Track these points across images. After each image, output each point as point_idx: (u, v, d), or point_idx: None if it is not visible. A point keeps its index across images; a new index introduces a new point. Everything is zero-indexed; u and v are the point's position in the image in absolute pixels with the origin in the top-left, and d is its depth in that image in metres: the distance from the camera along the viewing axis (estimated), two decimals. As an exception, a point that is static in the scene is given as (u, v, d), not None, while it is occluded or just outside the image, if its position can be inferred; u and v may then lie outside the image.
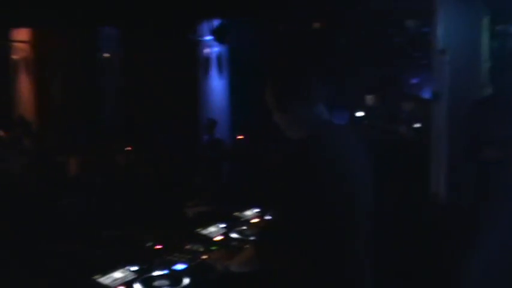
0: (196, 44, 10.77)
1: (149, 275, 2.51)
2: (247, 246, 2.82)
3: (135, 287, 2.39)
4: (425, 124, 7.49)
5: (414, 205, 4.30)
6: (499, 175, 3.82)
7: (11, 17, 9.03)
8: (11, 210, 4.34)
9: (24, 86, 11.19)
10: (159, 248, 2.93)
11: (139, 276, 2.50)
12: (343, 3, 8.25)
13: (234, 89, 10.70)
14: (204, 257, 2.70)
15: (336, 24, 9.35)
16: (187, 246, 2.90)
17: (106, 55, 11.41)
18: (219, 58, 10.75)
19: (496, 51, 6.46)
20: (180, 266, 2.63)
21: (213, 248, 2.88)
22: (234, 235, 3.11)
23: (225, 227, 3.25)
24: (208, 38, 10.63)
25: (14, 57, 11.10)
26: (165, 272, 2.55)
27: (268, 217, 3.45)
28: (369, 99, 8.76)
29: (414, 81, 8.78)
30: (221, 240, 3.06)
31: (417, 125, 7.88)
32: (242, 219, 3.43)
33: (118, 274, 2.51)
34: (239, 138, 8.03)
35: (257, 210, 3.62)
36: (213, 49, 10.70)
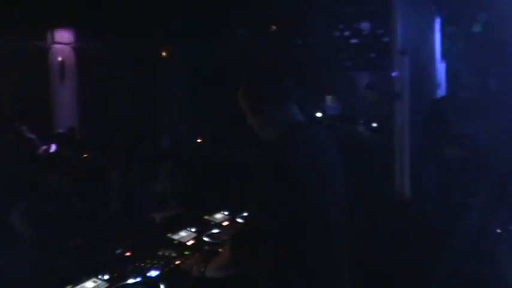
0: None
1: (123, 283, 2.44)
2: (221, 250, 2.80)
3: (110, 297, 2.32)
4: (383, 124, 7.65)
5: (378, 204, 4.37)
6: (459, 172, 3.96)
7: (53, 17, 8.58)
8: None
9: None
10: (130, 255, 2.86)
11: (112, 285, 2.43)
12: (298, 6, 8.33)
13: (192, 91, 10.62)
14: (178, 262, 2.66)
15: (292, 27, 9.43)
16: (160, 252, 2.84)
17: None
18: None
19: (448, 52, 6.68)
20: (153, 273, 2.57)
21: (186, 253, 2.84)
22: (206, 239, 3.08)
23: (195, 231, 3.21)
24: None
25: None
26: (139, 279, 2.49)
27: (239, 219, 3.43)
28: (327, 100, 8.87)
29: (370, 81, 8.92)
30: (193, 244, 3.02)
31: (375, 125, 8.02)
32: (212, 223, 3.40)
33: (90, 284, 2.43)
34: (199, 142, 7.97)
35: (226, 213, 3.60)
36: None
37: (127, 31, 9.67)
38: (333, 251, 2.12)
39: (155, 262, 2.69)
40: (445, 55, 6.46)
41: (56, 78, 10.99)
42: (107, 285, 2.43)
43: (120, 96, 10.88)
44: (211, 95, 9.82)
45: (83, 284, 2.42)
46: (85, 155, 7.22)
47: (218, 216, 3.53)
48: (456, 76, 4.11)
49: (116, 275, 2.53)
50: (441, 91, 6.30)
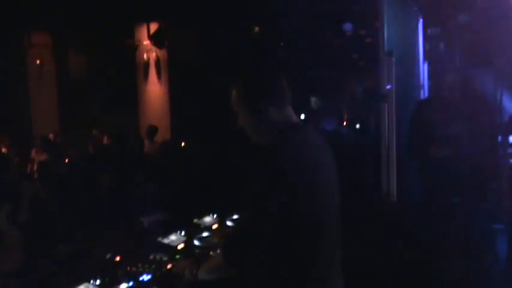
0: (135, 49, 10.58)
1: (115, 288, 2.42)
2: (212, 253, 2.80)
3: (102, 302, 2.29)
4: (367, 125, 7.72)
5: (365, 205, 4.40)
6: (444, 172, 4.00)
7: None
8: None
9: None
10: (120, 260, 2.83)
11: (104, 290, 2.40)
12: (280, 8, 8.35)
13: (175, 94, 10.58)
14: (169, 266, 2.64)
15: (274, 29, 9.46)
16: (151, 256, 2.82)
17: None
18: (157, 63, 10.62)
19: (430, 53, 6.76)
20: (145, 277, 2.55)
21: (177, 256, 2.82)
22: (196, 242, 3.06)
23: (185, 235, 3.20)
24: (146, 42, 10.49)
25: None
26: (131, 284, 2.47)
27: (228, 222, 3.43)
28: (311, 101, 8.90)
29: (352, 82, 9.01)
30: (184, 248, 3.00)
31: (358, 126, 8.09)
32: (202, 226, 3.39)
33: (81, 289, 2.41)
34: (183, 145, 7.94)
35: (215, 216, 3.59)
36: (151, 54, 10.57)
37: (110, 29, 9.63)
38: (326, 252, 2.12)
39: (146, 266, 2.67)
40: (427, 56, 6.55)
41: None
42: (98, 290, 2.41)
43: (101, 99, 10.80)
44: (195, 97, 9.81)
45: (75, 290, 2.39)
46: (66, 160, 7.15)
47: (207, 219, 3.52)
48: (439, 77, 4.15)
49: (107, 279, 2.50)
50: (424, 92, 6.39)
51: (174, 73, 10.55)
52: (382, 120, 4.03)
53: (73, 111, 11.09)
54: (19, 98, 10.86)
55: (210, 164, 6.39)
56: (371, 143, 5.43)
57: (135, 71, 10.76)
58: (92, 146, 8.71)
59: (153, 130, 9.19)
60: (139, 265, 2.68)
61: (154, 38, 10.20)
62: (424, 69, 6.55)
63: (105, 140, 8.10)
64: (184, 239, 3.14)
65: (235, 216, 3.46)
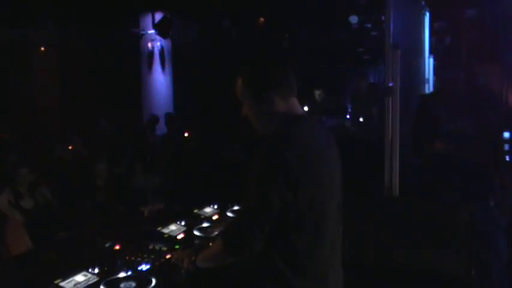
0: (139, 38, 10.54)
1: (114, 277, 2.40)
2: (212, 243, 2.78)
3: (100, 290, 2.28)
4: (371, 118, 7.66)
5: (366, 199, 4.38)
6: (446, 167, 3.97)
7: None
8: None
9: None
10: (119, 249, 2.82)
11: (102, 279, 2.39)
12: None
13: (179, 84, 10.54)
14: (168, 256, 2.63)
15: (280, 21, 9.41)
16: (150, 246, 2.81)
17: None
18: (161, 52, 10.57)
19: (436, 48, 6.71)
20: (144, 267, 2.54)
21: (177, 246, 2.81)
22: (196, 233, 3.05)
23: (185, 225, 3.19)
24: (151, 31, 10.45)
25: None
26: (130, 273, 2.46)
27: (229, 213, 3.42)
28: (314, 94, 8.84)
29: (357, 75, 8.93)
30: (183, 238, 2.99)
31: (361, 119, 8.03)
32: (202, 217, 3.38)
33: (80, 277, 2.40)
34: (186, 135, 7.91)
35: (216, 207, 3.58)
36: (155, 43, 10.53)
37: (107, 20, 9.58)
38: (326, 244, 2.11)
39: (146, 256, 2.67)
40: (433, 50, 6.51)
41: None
42: (97, 278, 2.41)
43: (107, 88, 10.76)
44: (198, 88, 9.78)
45: (73, 278, 2.39)
46: (70, 147, 7.14)
47: (208, 210, 3.52)
48: (444, 71, 4.11)
49: (106, 268, 2.50)
50: (429, 87, 6.35)
51: (179, 63, 10.51)
52: (386, 114, 3.99)
53: (77, 100, 11.06)
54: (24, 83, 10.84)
55: (212, 154, 6.37)
56: (374, 136, 5.40)
57: (139, 61, 10.72)
58: (97, 135, 8.72)
59: (154, 120, 9.18)
60: (139, 254, 2.68)
61: (159, 28, 10.16)
62: (429, 63, 6.52)
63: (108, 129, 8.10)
64: (184, 229, 3.14)
65: (235, 208, 3.45)
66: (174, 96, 10.55)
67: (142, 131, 8.11)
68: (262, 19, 9.31)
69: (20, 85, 10.46)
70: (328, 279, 2.13)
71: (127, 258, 2.63)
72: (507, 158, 3.98)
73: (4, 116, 9.32)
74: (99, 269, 2.48)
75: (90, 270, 2.46)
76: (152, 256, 2.67)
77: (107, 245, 2.87)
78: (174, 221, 3.22)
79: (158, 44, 10.40)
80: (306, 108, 8.76)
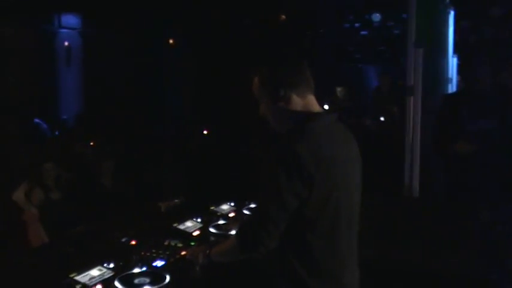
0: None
1: (128, 272, 2.40)
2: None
3: (115, 285, 2.28)
4: (391, 117, 7.58)
5: (386, 199, 4.33)
6: (469, 168, 3.90)
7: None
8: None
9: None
10: (135, 244, 2.82)
11: (117, 274, 2.39)
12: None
13: (199, 81, 10.56)
14: (183, 253, 2.61)
15: (302, 18, 9.35)
16: (166, 242, 2.80)
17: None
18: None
19: (460, 46, 6.60)
20: (159, 263, 2.53)
21: (192, 243, 2.80)
22: (212, 230, 3.04)
23: (201, 222, 3.18)
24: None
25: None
26: (145, 269, 2.45)
27: (245, 211, 3.40)
28: (335, 92, 8.77)
29: (379, 75, 8.85)
30: (199, 235, 2.98)
31: (382, 118, 7.96)
32: (218, 214, 3.36)
33: (95, 272, 2.40)
34: (205, 133, 7.91)
35: (232, 204, 3.56)
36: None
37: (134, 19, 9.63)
38: (342, 245, 2.08)
39: (161, 252, 2.66)
40: (457, 49, 6.39)
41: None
42: (112, 273, 2.40)
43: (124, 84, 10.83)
44: (218, 85, 9.78)
45: (88, 272, 2.39)
46: (91, 143, 7.20)
47: (224, 207, 3.50)
48: (470, 71, 4.02)
49: (121, 263, 2.49)
50: (452, 86, 6.24)
51: (198, 59, 10.53)
52: (407, 114, 3.94)
53: (99, 94, 11.15)
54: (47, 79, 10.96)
55: (230, 151, 6.37)
56: (395, 136, 5.33)
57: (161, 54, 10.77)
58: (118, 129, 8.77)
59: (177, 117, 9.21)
60: (154, 250, 2.67)
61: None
62: (453, 62, 6.41)
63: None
64: (200, 225, 3.12)
65: (252, 205, 3.43)
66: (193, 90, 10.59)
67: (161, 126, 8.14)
68: (283, 16, 9.27)
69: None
70: (343, 280, 2.10)
71: (142, 253, 2.63)
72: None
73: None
74: (115, 263, 2.48)
75: (105, 264, 2.46)
76: (167, 252, 2.65)
77: (123, 240, 2.88)
78: (190, 217, 3.20)
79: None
80: (326, 107, 8.70)
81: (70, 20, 10.80)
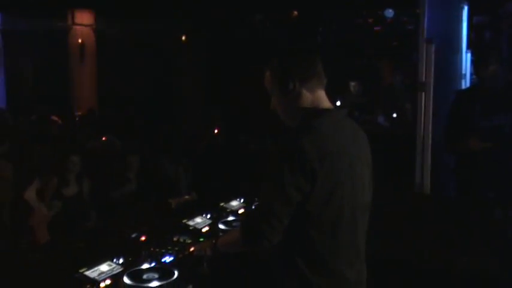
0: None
1: (137, 268, 2.42)
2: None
3: (124, 281, 2.29)
4: (404, 114, 7.53)
5: (397, 195, 4.30)
6: (481, 165, 3.85)
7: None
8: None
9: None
10: (144, 240, 2.84)
11: (126, 269, 2.41)
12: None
13: (211, 78, 10.57)
14: (192, 249, 2.62)
15: (313, 13, 9.31)
16: (175, 238, 2.81)
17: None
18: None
19: (474, 42, 6.52)
20: (168, 259, 2.55)
21: (201, 239, 2.81)
22: (221, 226, 3.04)
23: (211, 218, 3.19)
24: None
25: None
26: (153, 264, 2.47)
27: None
28: (348, 87, 8.72)
29: (392, 70, 8.78)
30: (208, 231, 2.99)
31: (395, 115, 7.91)
32: (228, 210, 3.37)
33: (104, 267, 2.42)
34: (216, 132, 7.91)
35: (242, 200, 3.56)
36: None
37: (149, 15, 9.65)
38: (347, 243, 2.07)
39: (170, 248, 2.67)
40: (471, 45, 6.31)
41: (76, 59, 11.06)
42: (121, 269, 2.42)
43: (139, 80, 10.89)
44: (230, 82, 9.78)
45: (98, 267, 2.41)
46: (103, 138, 7.25)
47: (234, 203, 3.51)
48: (483, 67, 3.96)
49: (130, 259, 2.51)
50: (466, 82, 6.17)
51: (212, 56, 10.53)
52: (418, 110, 3.90)
53: (111, 90, 11.23)
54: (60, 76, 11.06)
55: (241, 148, 6.37)
56: (408, 132, 5.29)
57: (170, 52, 10.80)
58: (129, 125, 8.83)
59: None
60: (163, 246, 2.69)
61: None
62: (467, 58, 6.34)
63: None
64: (209, 222, 3.13)
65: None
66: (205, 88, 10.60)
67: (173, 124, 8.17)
68: (296, 12, 9.23)
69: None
70: (348, 278, 2.08)
71: (151, 249, 2.64)
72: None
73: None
74: (124, 259, 2.50)
75: (115, 260, 2.48)
76: (176, 248, 2.67)
77: (133, 235, 2.90)
78: (200, 213, 3.22)
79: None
80: (338, 103, 8.66)
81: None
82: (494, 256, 3.51)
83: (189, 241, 2.79)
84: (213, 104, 9.95)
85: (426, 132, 3.87)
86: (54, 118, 8.82)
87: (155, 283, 2.29)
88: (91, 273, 2.36)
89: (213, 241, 2.34)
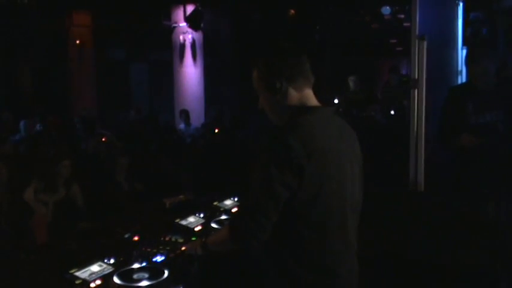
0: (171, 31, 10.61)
1: (128, 267, 2.43)
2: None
3: (114, 281, 2.31)
4: (401, 111, 7.53)
5: (391, 192, 4.31)
6: (474, 162, 3.85)
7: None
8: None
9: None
10: (137, 240, 2.86)
11: (117, 269, 2.42)
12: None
13: (210, 76, 10.58)
14: (184, 248, 2.64)
15: (311, 12, 9.30)
16: (167, 238, 2.83)
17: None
18: (193, 45, 10.62)
19: (469, 39, 6.52)
20: (159, 258, 2.56)
21: (193, 238, 2.82)
22: (213, 225, 3.06)
23: (204, 217, 3.20)
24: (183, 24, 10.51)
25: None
26: (144, 264, 2.48)
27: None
28: (347, 83, 8.70)
29: (390, 67, 8.77)
30: (201, 230, 3.00)
31: (392, 112, 7.90)
32: (222, 209, 3.39)
33: (95, 268, 2.43)
34: (216, 131, 7.92)
35: (236, 199, 3.58)
36: (187, 35, 10.58)
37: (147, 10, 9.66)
38: (337, 240, 2.07)
39: (161, 247, 2.68)
40: (466, 41, 6.32)
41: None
42: (112, 269, 2.43)
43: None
44: (228, 81, 9.79)
45: (89, 267, 2.42)
46: (103, 139, 7.28)
47: (228, 202, 3.52)
48: (475, 63, 3.96)
49: (121, 259, 2.52)
50: (462, 78, 6.17)
51: (209, 55, 10.54)
52: (411, 107, 3.91)
53: (110, 92, 11.26)
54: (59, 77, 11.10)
55: (240, 147, 6.38)
56: (405, 130, 5.30)
57: (171, 53, 10.81)
58: (129, 126, 8.87)
59: (186, 113, 9.27)
60: (155, 246, 2.70)
61: (190, 20, 10.22)
62: (462, 55, 6.34)
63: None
64: (202, 221, 3.15)
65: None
66: (205, 88, 10.61)
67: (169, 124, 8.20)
68: (292, 11, 9.23)
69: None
70: (338, 274, 2.09)
71: (143, 249, 2.66)
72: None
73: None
74: (115, 259, 2.51)
75: (106, 260, 2.49)
76: (168, 248, 2.68)
77: (126, 235, 2.91)
78: (193, 212, 3.23)
79: (190, 36, 10.48)
80: (336, 101, 8.66)
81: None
82: (487, 251, 3.52)
83: (181, 240, 2.80)
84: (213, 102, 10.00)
85: (419, 129, 3.86)
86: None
87: (145, 283, 2.30)
88: (82, 273, 2.37)
89: (203, 240, 2.36)
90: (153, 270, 2.40)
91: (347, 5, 8.78)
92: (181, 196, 3.77)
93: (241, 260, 2.44)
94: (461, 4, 6.19)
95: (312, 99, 2.14)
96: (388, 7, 8.27)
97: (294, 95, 2.10)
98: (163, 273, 2.37)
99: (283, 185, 1.92)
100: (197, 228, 3.04)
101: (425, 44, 3.83)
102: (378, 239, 3.84)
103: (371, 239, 3.66)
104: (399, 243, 3.88)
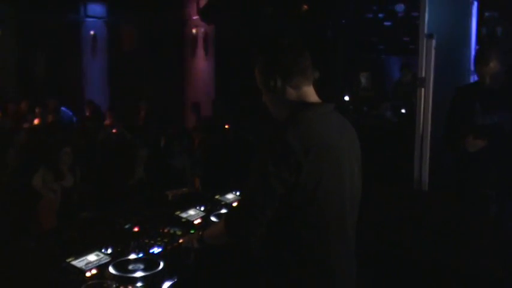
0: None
1: (124, 258, 2.45)
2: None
3: (109, 271, 2.32)
4: (411, 110, 7.46)
5: (396, 191, 4.29)
6: (480, 163, 3.81)
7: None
8: None
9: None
10: (137, 231, 2.87)
11: (113, 259, 2.44)
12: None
13: (221, 70, 10.57)
14: (181, 240, 2.64)
15: (323, 7, 9.24)
16: (165, 230, 2.84)
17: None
18: (205, 38, 10.62)
19: (484, 38, 6.42)
20: (156, 250, 2.57)
21: (192, 231, 2.83)
22: (213, 219, 3.06)
23: (204, 210, 3.21)
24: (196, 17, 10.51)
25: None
26: (141, 255, 2.50)
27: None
28: (358, 79, 8.65)
29: (402, 66, 8.69)
30: (200, 223, 3.01)
31: (403, 111, 7.84)
32: (223, 203, 3.39)
33: (92, 257, 2.45)
34: (227, 128, 7.91)
35: (238, 193, 3.58)
36: (199, 29, 10.59)
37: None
38: (335, 237, 2.07)
39: (159, 239, 2.69)
40: (480, 41, 6.22)
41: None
42: (108, 259, 2.45)
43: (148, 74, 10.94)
44: (240, 74, 9.75)
45: (86, 257, 2.44)
46: (114, 131, 7.31)
47: (229, 196, 3.52)
48: (483, 63, 3.90)
49: (119, 249, 2.54)
50: (474, 78, 6.08)
51: (221, 49, 10.53)
52: (417, 106, 3.87)
53: (122, 83, 11.31)
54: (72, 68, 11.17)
55: (248, 141, 6.38)
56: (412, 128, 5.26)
57: (183, 46, 10.83)
58: (139, 117, 8.91)
59: (197, 106, 9.29)
60: (153, 237, 2.71)
61: (203, 13, 10.22)
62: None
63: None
64: (202, 214, 3.15)
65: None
66: (216, 81, 10.61)
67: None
68: (305, 6, 9.17)
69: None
70: (336, 273, 2.08)
71: (141, 240, 2.67)
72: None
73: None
74: (113, 249, 2.53)
75: (103, 250, 2.52)
76: (166, 240, 2.69)
77: (127, 226, 2.93)
78: (193, 205, 3.24)
79: (202, 29, 10.47)
80: (346, 98, 8.61)
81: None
82: (491, 252, 3.50)
83: (180, 233, 2.81)
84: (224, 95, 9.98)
85: (425, 128, 3.83)
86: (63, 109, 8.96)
87: (139, 274, 2.31)
88: (78, 262, 2.39)
89: (200, 233, 2.37)
90: (149, 262, 2.41)
91: (360, 1, 8.72)
92: (184, 189, 3.79)
93: (238, 254, 2.44)
94: (475, 3, 6.09)
95: (311, 96, 2.13)
96: (401, 4, 8.20)
97: (291, 92, 2.10)
98: (159, 264, 2.38)
99: (280, 180, 1.92)
100: (197, 221, 3.04)
101: (433, 42, 3.79)
102: (380, 238, 3.83)
103: (372, 238, 3.67)
104: (401, 242, 3.86)
